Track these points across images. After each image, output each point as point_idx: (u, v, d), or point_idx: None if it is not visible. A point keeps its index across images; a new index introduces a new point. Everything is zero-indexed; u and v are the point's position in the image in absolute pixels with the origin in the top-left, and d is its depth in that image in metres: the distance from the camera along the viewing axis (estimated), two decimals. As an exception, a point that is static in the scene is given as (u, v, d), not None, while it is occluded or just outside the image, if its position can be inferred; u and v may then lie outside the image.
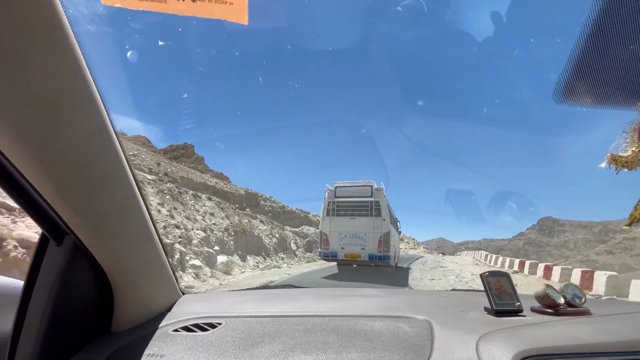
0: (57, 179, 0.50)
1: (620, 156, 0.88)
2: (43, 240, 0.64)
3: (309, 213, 28.98)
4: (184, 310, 0.87)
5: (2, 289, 0.71)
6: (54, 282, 0.63)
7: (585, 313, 0.87)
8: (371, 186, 9.29)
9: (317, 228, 14.17)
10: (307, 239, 21.51)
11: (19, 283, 0.73)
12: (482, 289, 0.93)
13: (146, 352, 0.66)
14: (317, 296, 1.08)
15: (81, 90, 0.47)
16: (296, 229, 23.12)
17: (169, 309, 0.88)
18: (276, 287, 1.32)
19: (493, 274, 0.90)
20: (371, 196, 9.14)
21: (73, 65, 0.44)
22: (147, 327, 0.76)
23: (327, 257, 9.11)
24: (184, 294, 0.99)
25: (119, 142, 0.58)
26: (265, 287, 1.34)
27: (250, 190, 26.42)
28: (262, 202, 26.58)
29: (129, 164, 0.62)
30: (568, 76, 0.75)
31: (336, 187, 9.46)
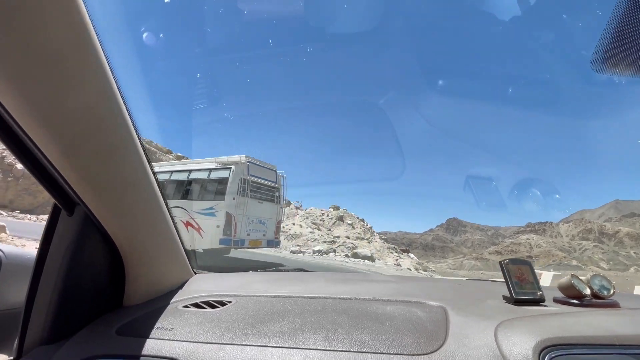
0: (65, 144, 0.50)
1: None
2: (55, 210, 0.65)
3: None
4: (195, 288, 0.88)
5: (16, 259, 0.73)
6: (66, 253, 0.64)
7: (614, 305, 0.81)
8: (275, 171, 9.15)
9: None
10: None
11: (32, 253, 0.74)
12: (500, 280, 0.91)
13: (156, 325, 0.68)
14: (327, 279, 1.08)
15: (89, 49, 0.46)
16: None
17: (180, 287, 0.89)
18: (287, 270, 1.38)
19: (514, 261, 0.85)
20: (276, 181, 9.04)
21: (80, 21, 0.42)
22: (158, 303, 0.78)
23: (229, 244, 7.74)
24: (196, 273, 1.00)
25: (128, 110, 0.57)
26: (276, 269, 1.45)
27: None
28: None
29: (138, 135, 0.62)
30: (608, 41, 0.60)
31: (249, 162, 8.33)
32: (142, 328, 0.67)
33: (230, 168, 7.97)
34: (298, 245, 23.07)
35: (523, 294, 0.82)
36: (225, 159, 8.32)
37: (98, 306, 0.72)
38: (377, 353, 0.59)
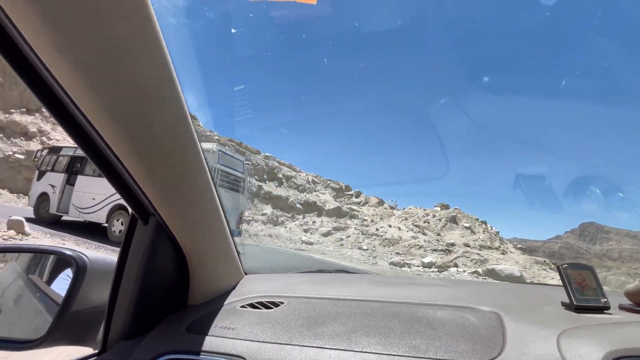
0: (148, 165, 0.57)
1: None
2: (132, 220, 0.72)
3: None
4: (248, 289, 0.92)
5: (99, 263, 0.77)
6: (142, 259, 0.70)
7: None
8: (244, 162, 9.57)
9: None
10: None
11: (112, 259, 0.80)
12: (555, 283, 0.89)
13: (220, 324, 0.71)
14: (371, 282, 1.07)
15: (167, 82, 0.51)
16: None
17: (234, 287, 0.93)
18: (330, 271, 1.42)
19: (573, 266, 0.82)
20: (243, 172, 9.36)
21: (160, 58, 0.47)
22: (217, 303, 0.82)
23: None
24: (246, 273, 1.04)
25: (196, 131, 0.62)
26: (319, 271, 1.47)
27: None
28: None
29: (203, 154, 0.67)
30: None
31: (220, 151, 8.93)
32: (208, 326, 0.71)
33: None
34: (398, 254, 17.94)
35: (585, 300, 0.77)
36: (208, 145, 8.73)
37: (168, 306, 0.78)
38: (433, 359, 0.59)
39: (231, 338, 0.67)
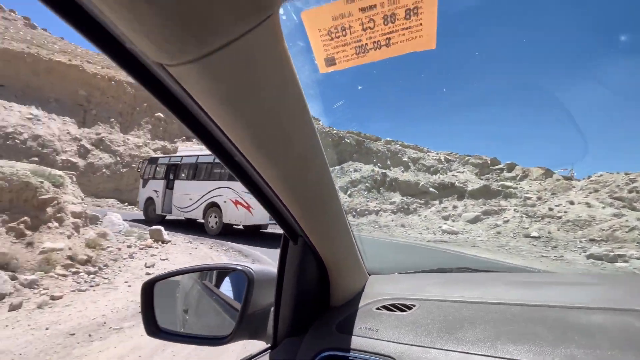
0: (296, 194, 0.63)
1: None
2: (285, 240, 0.82)
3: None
4: (376, 291, 0.95)
5: (262, 274, 0.90)
6: (295, 271, 0.81)
7: None
8: None
9: None
10: None
11: (271, 270, 0.93)
12: None
13: (363, 325, 0.77)
14: (507, 282, 0.99)
15: (302, 111, 0.52)
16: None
17: (362, 290, 0.97)
18: (451, 270, 1.22)
19: None
20: None
21: (296, 89, 0.48)
22: (354, 304, 0.88)
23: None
24: (369, 274, 1.07)
25: (324, 154, 0.65)
26: (440, 269, 1.16)
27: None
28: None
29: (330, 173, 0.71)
30: None
31: None
32: (353, 327, 0.77)
33: None
34: (594, 241, 12.46)
35: None
36: None
37: (317, 308, 0.89)
38: None
39: (377, 339, 0.71)
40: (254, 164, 0.54)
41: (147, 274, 5.41)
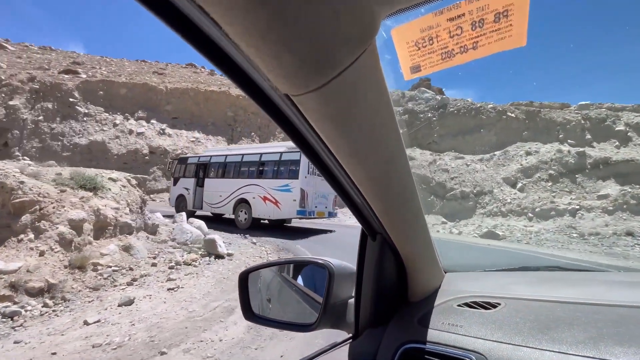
0: (380, 194, 0.65)
1: None
2: (363, 237, 0.84)
3: None
4: (454, 288, 0.95)
5: (340, 268, 0.93)
6: (374, 266, 0.83)
7: None
8: None
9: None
10: None
11: (350, 265, 0.96)
12: None
13: (445, 321, 0.76)
14: (606, 282, 0.95)
15: (392, 124, 0.54)
16: None
17: (439, 286, 0.98)
18: (537, 268, 1.17)
19: None
20: None
21: (389, 107, 0.51)
22: (432, 301, 0.88)
23: (304, 214, 9.61)
24: (445, 272, 1.07)
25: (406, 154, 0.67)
26: (523, 268, 1.11)
27: None
28: None
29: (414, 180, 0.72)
30: None
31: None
32: (434, 322, 0.77)
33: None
34: None
35: None
36: (291, 143, 8.86)
37: (396, 301, 0.89)
38: None
39: (462, 335, 0.70)
40: (346, 168, 0.57)
41: (98, 321, 3.21)
